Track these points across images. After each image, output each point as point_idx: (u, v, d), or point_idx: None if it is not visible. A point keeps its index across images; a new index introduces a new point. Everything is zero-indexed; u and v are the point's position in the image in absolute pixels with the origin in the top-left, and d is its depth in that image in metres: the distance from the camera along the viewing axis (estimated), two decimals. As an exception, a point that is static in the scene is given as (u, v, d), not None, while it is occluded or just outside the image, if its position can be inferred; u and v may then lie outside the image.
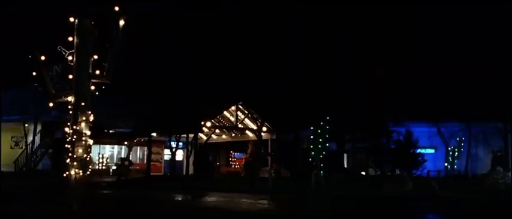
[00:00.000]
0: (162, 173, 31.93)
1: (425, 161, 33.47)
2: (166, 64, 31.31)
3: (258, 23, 31.38)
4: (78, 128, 7.82)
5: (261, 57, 30.47)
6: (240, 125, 28.74)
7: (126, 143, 31.58)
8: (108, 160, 32.84)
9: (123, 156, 30.73)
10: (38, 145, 31.67)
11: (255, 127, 28.74)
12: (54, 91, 8.22)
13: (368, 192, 15.40)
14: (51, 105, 8.45)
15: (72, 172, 7.67)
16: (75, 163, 7.70)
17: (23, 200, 10.17)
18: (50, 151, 31.46)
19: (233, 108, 28.16)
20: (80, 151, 7.76)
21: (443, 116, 32.42)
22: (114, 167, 30.77)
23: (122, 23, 8.35)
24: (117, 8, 8.29)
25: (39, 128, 31.76)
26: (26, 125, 30.73)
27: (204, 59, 30.89)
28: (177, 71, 30.90)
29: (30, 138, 30.57)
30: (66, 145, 7.86)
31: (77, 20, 8.20)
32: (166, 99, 30.77)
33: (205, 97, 29.52)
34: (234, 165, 36.99)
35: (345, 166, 34.82)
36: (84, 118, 7.89)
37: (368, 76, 31.17)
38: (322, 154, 17.42)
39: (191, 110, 28.20)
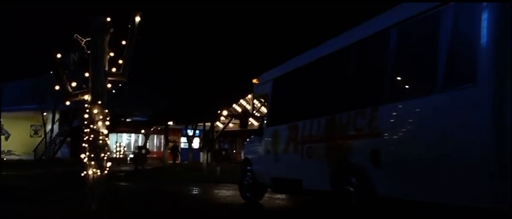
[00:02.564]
0: (179, 162, 32.04)
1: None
2: (182, 52, 31.18)
3: (274, 9, 30.97)
4: (95, 127, 7.73)
5: (277, 43, 30.16)
6: (256, 114, 28.59)
7: (143, 131, 31.75)
8: (125, 149, 33.14)
9: (140, 144, 30.94)
10: (57, 133, 32.10)
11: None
12: (71, 90, 8.14)
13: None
14: (67, 103, 8.40)
15: (90, 172, 7.61)
16: (92, 163, 7.63)
17: (39, 195, 10.20)
18: (68, 139, 31.85)
19: (249, 96, 28.02)
20: (98, 150, 7.68)
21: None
22: (131, 156, 31.03)
23: (138, 19, 8.19)
24: (133, 4, 8.13)
25: (57, 116, 32.15)
26: (45, 113, 31.09)
27: (220, 47, 30.66)
28: (193, 59, 30.77)
29: (48, 127, 30.95)
30: (83, 144, 7.79)
31: (92, 17, 8.06)
32: (182, 87, 30.77)
33: (222, 85, 29.40)
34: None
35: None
36: (101, 117, 7.79)
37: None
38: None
39: (207, 99, 28.14)
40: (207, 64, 30.61)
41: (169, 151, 29.89)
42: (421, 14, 5.39)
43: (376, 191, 5.68)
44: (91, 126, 7.73)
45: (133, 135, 34.10)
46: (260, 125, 10.18)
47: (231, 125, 30.15)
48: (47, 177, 18.76)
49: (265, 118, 9.81)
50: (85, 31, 8.01)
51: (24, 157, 31.65)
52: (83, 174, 7.71)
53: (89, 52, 8.01)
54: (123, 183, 15.42)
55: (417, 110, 5.29)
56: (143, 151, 27.02)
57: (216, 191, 13.25)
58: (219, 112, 26.14)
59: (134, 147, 32.20)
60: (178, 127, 31.54)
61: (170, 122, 29.26)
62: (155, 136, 34.39)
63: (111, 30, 8.07)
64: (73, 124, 30.92)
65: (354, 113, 6.30)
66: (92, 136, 7.69)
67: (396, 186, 5.47)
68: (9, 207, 8.66)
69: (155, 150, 34.34)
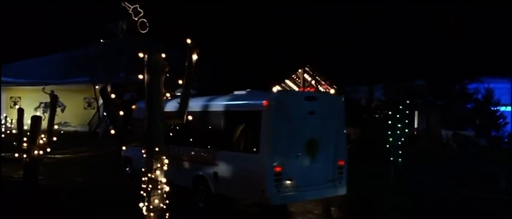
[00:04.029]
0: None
1: (506, 123, 31.03)
2: (232, 27, 30.29)
3: None
4: (152, 176, 7.30)
5: (326, 16, 28.77)
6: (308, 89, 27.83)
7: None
8: (175, 123, 33.36)
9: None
10: (109, 106, 32.62)
11: (322, 90, 27.76)
12: (126, 136, 7.69)
13: (453, 190, 14.20)
14: (123, 148, 8.01)
15: (149, 224, 7.27)
16: (151, 214, 7.28)
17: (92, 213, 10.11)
18: (121, 112, 32.24)
19: (300, 71, 27.27)
20: (156, 201, 7.28)
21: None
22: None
23: (195, 57, 7.52)
24: (189, 41, 7.44)
25: (108, 89, 32.48)
26: (97, 87, 31.44)
27: (270, 24, 29.56)
28: (244, 35, 29.88)
29: (101, 100, 31.35)
30: (141, 192, 7.41)
31: (146, 56, 7.46)
32: (231, 62, 30.14)
33: (272, 61, 28.62)
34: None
35: (416, 125, 33.04)
36: (158, 165, 7.34)
37: (441, 28, 28.83)
38: (401, 140, 15.98)
39: (259, 75, 27.52)
40: (258, 39, 29.67)
41: None
42: (234, 111, 11.32)
43: (215, 191, 11.39)
44: (149, 175, 7.30)
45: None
46: None
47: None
48: (102, 164, 19.07)
49: None
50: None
51: (79, 129, 32.53)
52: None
53: (135, 18, 7.43)
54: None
55: (235, 157, 10.94)
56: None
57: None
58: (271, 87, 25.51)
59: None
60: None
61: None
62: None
63: (167, 69, 7.46)
64: (124, 98, 31.19)
65: (205, 150, 11.81)
66: (149, 185, 7.29)
67: (224, 189, 11.24)
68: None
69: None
